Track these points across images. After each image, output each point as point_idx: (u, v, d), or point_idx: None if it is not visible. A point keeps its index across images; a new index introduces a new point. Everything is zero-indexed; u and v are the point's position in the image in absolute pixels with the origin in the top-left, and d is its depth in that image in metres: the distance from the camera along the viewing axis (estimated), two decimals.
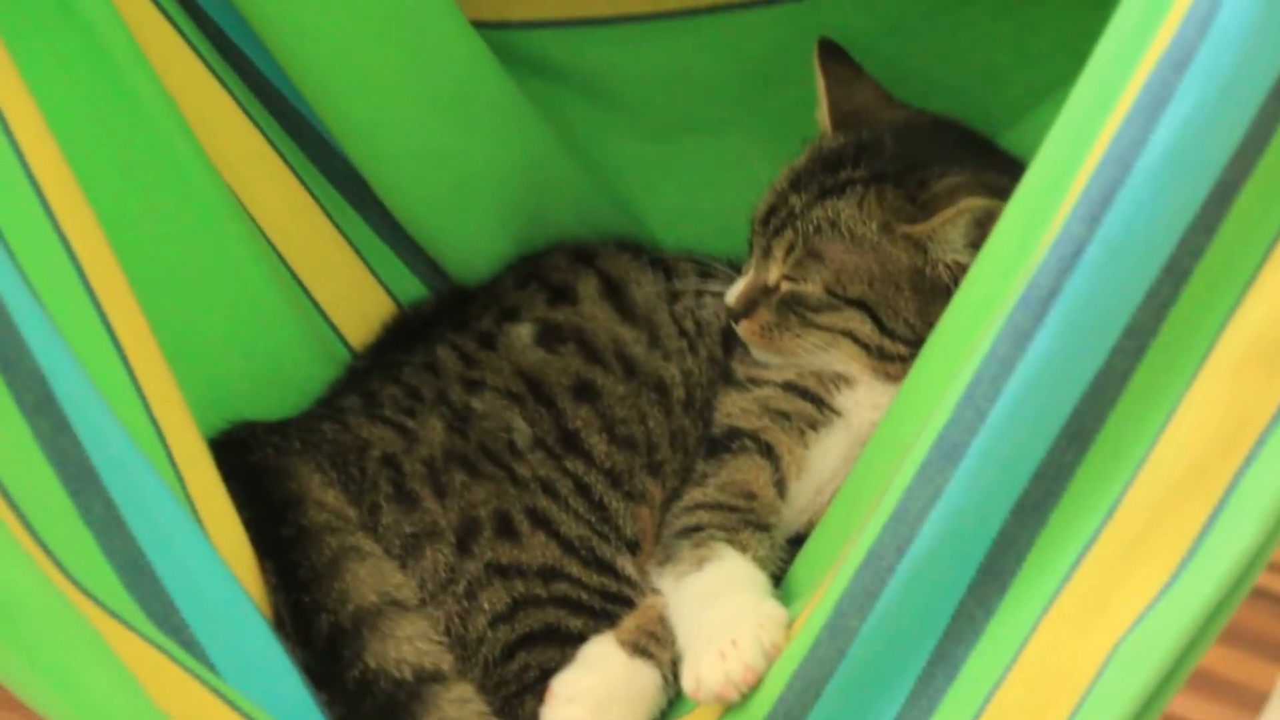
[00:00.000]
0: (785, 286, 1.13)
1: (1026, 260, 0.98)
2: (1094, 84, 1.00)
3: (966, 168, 1.11)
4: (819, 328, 1.10)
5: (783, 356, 1.17)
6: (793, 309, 1.10)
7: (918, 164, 1.11)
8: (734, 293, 1.17)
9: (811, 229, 1.10)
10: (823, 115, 1.20)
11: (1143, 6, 0.99)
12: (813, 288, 1.10)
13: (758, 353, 1.19)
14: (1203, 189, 0.87)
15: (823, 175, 1.13)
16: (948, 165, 1.10)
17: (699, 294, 1.33)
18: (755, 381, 1.18)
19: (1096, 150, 0.93)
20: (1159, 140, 0.86)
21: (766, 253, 1.13)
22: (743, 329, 1.16)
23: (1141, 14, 0.98)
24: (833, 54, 1.24)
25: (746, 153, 1.33)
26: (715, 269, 1.32)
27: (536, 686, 1.11)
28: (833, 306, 1.10)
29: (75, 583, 1.00)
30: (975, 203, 1.05)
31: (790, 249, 1.10)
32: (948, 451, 0.94)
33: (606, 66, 1.36)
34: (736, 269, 1.29)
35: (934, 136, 1.18)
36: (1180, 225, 0.89)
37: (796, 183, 1.13)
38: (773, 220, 1.12)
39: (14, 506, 0.96)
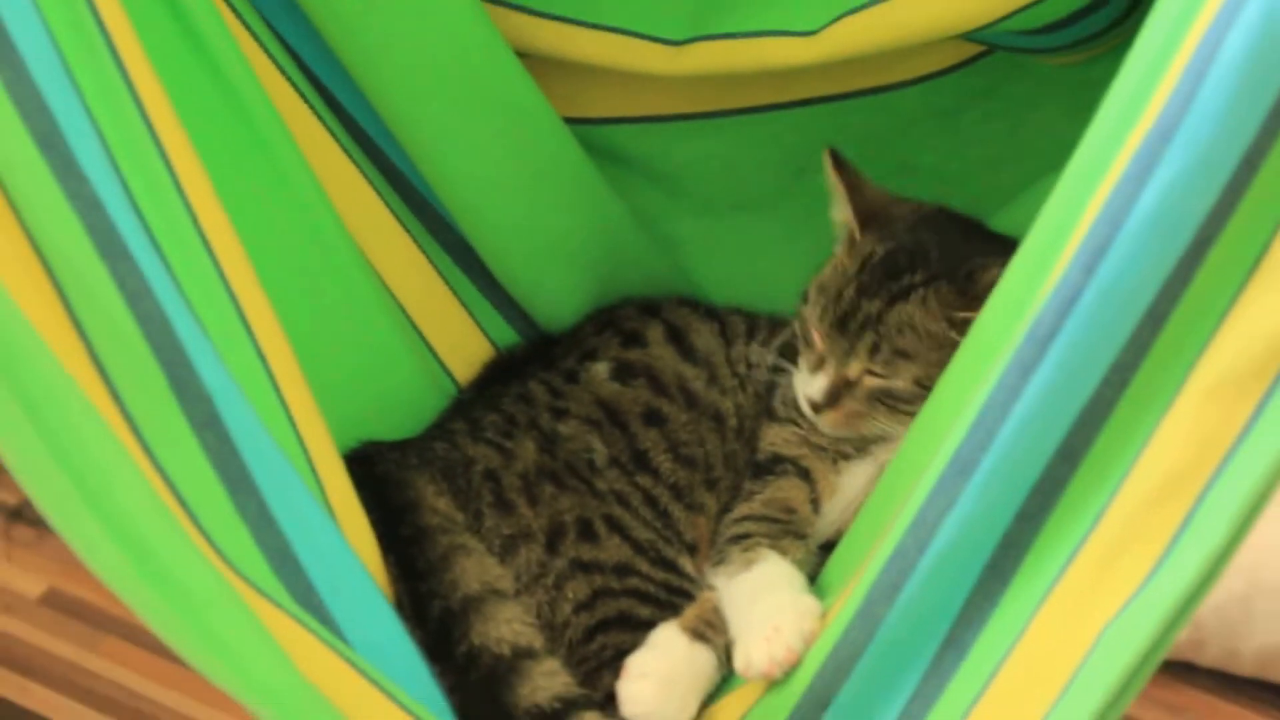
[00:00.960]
0: (870, 382, 1.24)
1: (1030, 306, 1.08)
2: (1087, 156, 1.10)
3: (994, 256, 1.22)
4: (903, 414, 1.23)
5: (856, 433, 1.29)
6: (882, 400, 1.23)
7: (957, 260, 1.23)
8: (818, 389, 1.26)
9: (894, 331, 1.23)
10: (848, 216, 1.29)
11: (1134, 85, 1.08)
12: (903, 383, 1.23)
13: (832, 431, 1.28)
14: (1182, 243, 0.99)
15: (889, 282, 1.24)
16: (983, 257, 1.22)
17: (747, 343, 1.42)
18: (795, 420, 1.33)
19: (1091, 211, 1.04)
20: (1146, 201, 0.98)
21: (848, 353, 1.22)
22: (827, 418, 1.27)
23: (1133, 91, 1.08)
24: (840, 162, 1.32)
25: (784, 229, 1.46)
26: (759, 322, 1.44)
27: (613, 664, 1.22)
28: (919, 396, 1.22)
29: (234, 568, 1.10)
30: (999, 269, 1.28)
31: (874, 349, 1.22)
32: (961, 467, 1.07)
33: (667, 155, 1.51)
34: (776, 323, 1.42)
35: (954, 230, 1.29)
36: (1162, 275, 1.00)
37: (864, 290, 1.23)
38: (850, 324, 1.23)
39: (183, 504, 1.08)
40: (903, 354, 1.27)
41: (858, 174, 1.35)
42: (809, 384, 1.29)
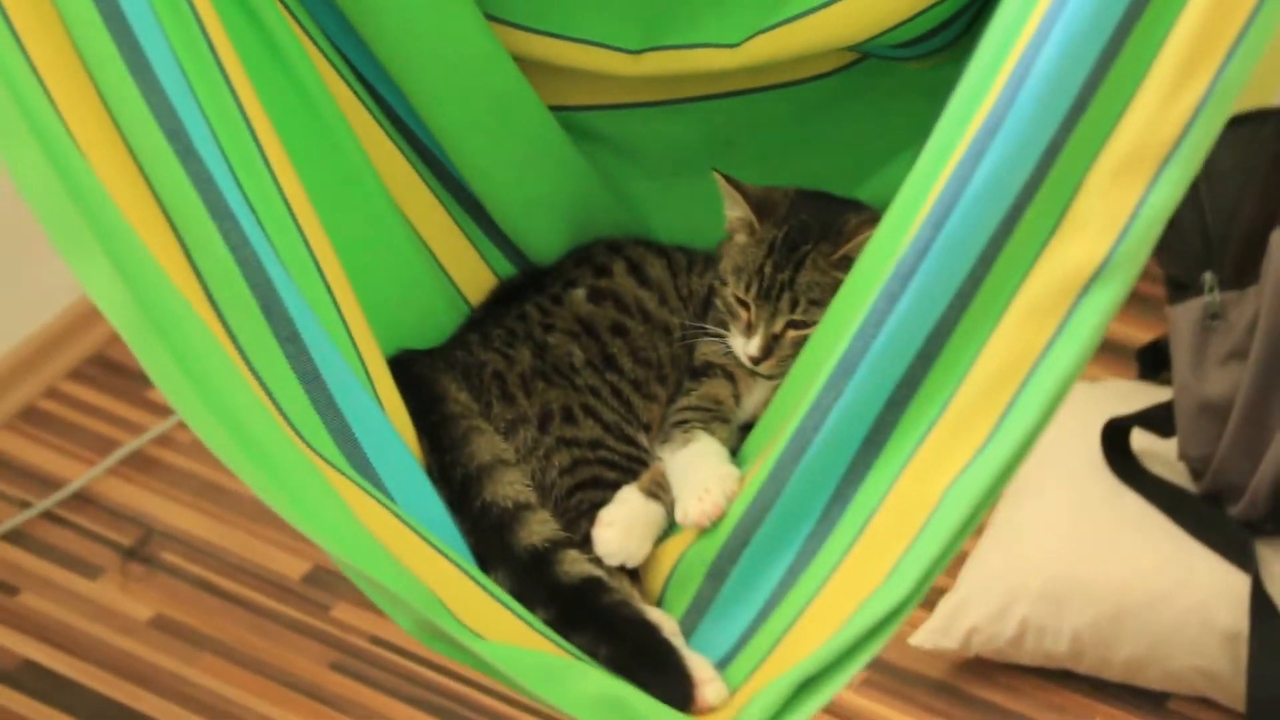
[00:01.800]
0: (792, 333, 1.48)
1: (895, 253, 1.28)
2: (938, 139, 1.30)
3: (850, 214, 1.50)
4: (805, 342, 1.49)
5: (785, 371, 1.49)
6: (798, 343, 1.46)
7: (828, 224, 1.48)
8: (755, 346, 1.48)
9: (803, 290, 1.47)
10: (746, 213, 1.50)
11: (973, 85, 1.27)
12: (815, 325, 1.47)
13: (768, 374, 1.50)
14: (1005, 207, 1.20)
15: (791, 255, 1.48)
16: (843, 216, 1.50)
17: (688, 274, 1.63)
18: (722, 339, 1.57)
19: (940, 181, 1.25)
20: (979, 176, 1.20)
21: (774, 314, 1.45)
22: (764, 366, 1.50)
23: (971, 90, 1.27)
24: (728, 177, 1.51)
25: (712, 187, 1.56)
26: (696, 256, 1.65)
27: (588, 515, 1.42)
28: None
29: (309, 444, 1.29)
30: (870, 229, 1.43)
31: (793, 307, 1.46)
32: (846, 369, 1.30)
33: (627, 134, 1.68)
34: (707, 257, 1.62)
35: (823, 203, 1.53)
36: (990, 229, 1.21)
37: (780, 264, 1.46)
38: (771, 293, 1.46)
39: (272, 398, 1.29)
40: (815, 303, 1.50)
41: (740, 182, 1.55)
42: (747, 345, 1.51)
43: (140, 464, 2.31)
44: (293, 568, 2.23)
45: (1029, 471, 2.06)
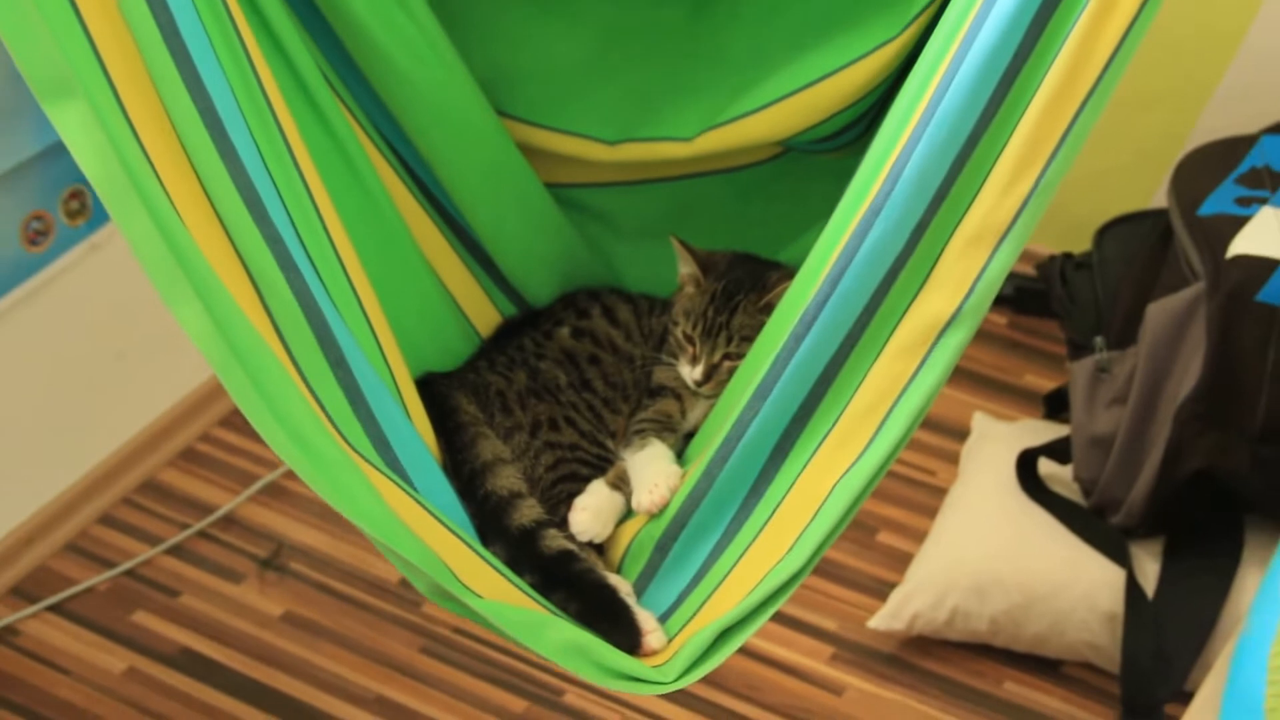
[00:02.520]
0: (728, 363, 1.61)
1: (802, 304, 1.41)
2: (839, 216, 1.43)
3: (773, 272, 1.64)
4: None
5: (720, 392, 1.61)
6: (732, 370, 1.60)
7: (757, 279, 1.63)
8: (699, 372, 1.62)
9: (737, 330, 1.60)
10: (694, 270, 1.64)
11: (864, 175, 1.40)
12: (745, 356, 1.56)
13: (708, 395, 1.64)
14: (884, 271, 1.35)
15: (728, 303, 1.61)
16: (767, 274, 1.64)
17: (650, 315, 1.76)
18: (674, 365, 1.68)
19: (837, 250, 1.38)
20: (864, 248, 1.34)
21: (713, 349, 1.61)
22: (705, 389, 1.62)
23: (864, 179, 1.40)
24: (682, 241, 1.65)
25: (671, 249, 1.69)
26: (655, 303, 1.77)
27: (566, 502, 1.55)
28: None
29: (352, 446, 1.39)
30: (787, 283, 1.55)
31: (728, 342, 1.61)
32: (763, 392, 1.42)
33: (604, 205, 1.79)
34: (665, 302, 1.75)
35: (753, 263, 1.67)
36: (871, 289, 1.35)
37: (719, 310, 1.60)
38: (712, 331, 1.62)
39: (325, 410, 1.39)
40: (746, 339, 1.62)
41: (691, 245, 1.66)
42: (692, 371, 1.64)
43: (274, 492, 2.49)
44: (391, 573, 2.39)
45: (961, 491, 2.24)
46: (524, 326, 1.79)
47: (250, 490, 2.47)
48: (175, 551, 2.37)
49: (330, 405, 1.42)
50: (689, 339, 1.66)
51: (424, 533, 1.41)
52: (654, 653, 1.45)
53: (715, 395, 1.65)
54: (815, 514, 1.41)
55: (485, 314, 1.83)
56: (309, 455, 1.33)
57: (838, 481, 1.41)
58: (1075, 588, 2.13)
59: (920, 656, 2.20)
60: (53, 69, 1.23)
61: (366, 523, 1.34)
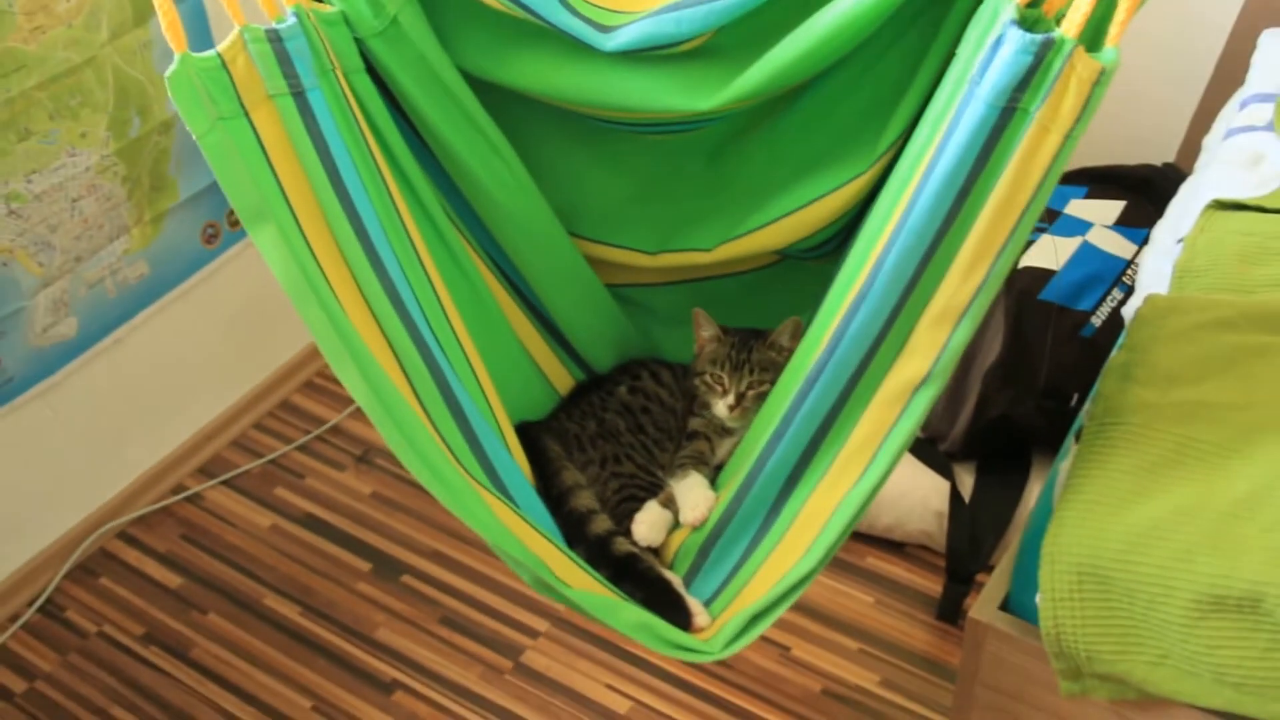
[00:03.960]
0: (753, 390, 1.75)
1: (805, 369, 1.56)
2: (824, 310, 1.56)
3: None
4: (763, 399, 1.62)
5: (749, 421, 1.68)
6: (758, 400, 1.74)
7: (764, 333, 1.82)
8: (730, 401, 1.82)
9: (756, 364, 1.79)
10: (716, 332, 1.82)
11: (843, 280, 1.53)
12: (768, 386, 1.72)
13: (738, 423, 1.79)
14: (867, 346, 1.50)
15: (744, 346, 1.79)
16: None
17: (686, 377, 1.93)
18: (704, 415, 1.85)
19: (830, 330, 1.51)
20: (848, 334, 1.50)
21: (739, 381, 1.78)
22: (733, 415, 1.78)
23: (843, 282, 1.52)
24: (702, 313, 1.85)
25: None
26: (689, 367, 1.89)
27: (629, 517, 1.72)
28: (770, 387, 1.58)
29: (470, 475, 1.53)
30: (794, 319, 1.74)
31: (752, 372, 1.76)
32: (778, 435, 1.54)
33: (648, 300, 1.95)
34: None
35: (756, 330, 1.78)
36: (857, 361, 1.50)
37: (739, 351, 1.80)
38: (737, 367, 1.79)
39: (449, 448, 1.54)
40: (765, 370, 1.76)
41: (710, 317, 1.82)
42: (725, 400, 1.78)
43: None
44: None
45: None
46: (592, 387, 1.96)
47: (349, 410, 2.97)
48: (302, 449, 2.89)
49: (453, 445, 1.56)
50: (718, 379, 1.80)
51: (527, 539, 1.52)
52: (701, 630, 1.60)
53: (741, 426, 1.75)
54: (823, 527, 1.53)
55: (562, 378, 2.00)
56: (442, 483, 1.45)
57: (839, 502, 1.52)
58: (915, 493, 2.41)
59: None
60: (251, 200, 1.43)
61: (486, 533, 1.45)
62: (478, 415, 1.64)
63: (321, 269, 1.47)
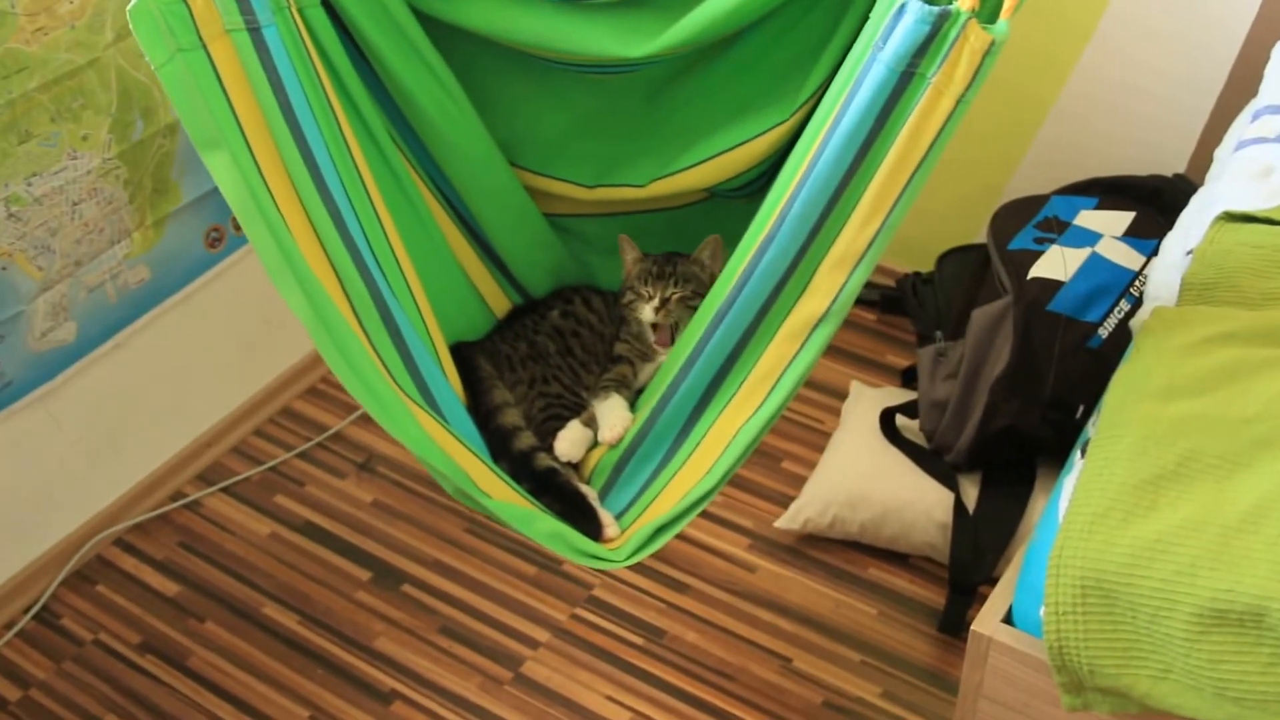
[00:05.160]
0: (676, 295, 1.84)
1: (716, 303, 1.73)
2: (744, 242, 1.71)
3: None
4: (689, 309, 1.80)
5: (672, 322, 1.79)
6: (683, 306, 1.86)
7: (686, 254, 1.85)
8: (654, 306, 1.90)
9: (680, 274, 1.91)
10: (639, 254, 1.99)
11: (762, 214, 1.68)
12: (688, 293, 1.86)
13: (663, 321, 1.91)
14: (773, 283, 1.69)
15: (667, 261, 1.95)
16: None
17: (616, 302, 2.03)
18: (629, 340, 1.98)
19: (742, 265, 1.69)
20: (762, 263, 1.68)
21: (663, 289, 1.89)
22: (660, 316, 1.90)
23: (761, 217, 1.67)
24: (627, 239, 1.96)
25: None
26: (620, 294, 1.91)
27: (552, 434, 1.84)
28: (698, 302, 1.79)
29: (403, 390, 1.63)
30: (714, 237, 1.92)
31: (675, 283, 1.87)
32: (689, 364, 1.72)
33: (583, 229, 2.06)
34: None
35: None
36: (766, 293, 1.67)
37: (662, 265, 1.92)
38: (661, 277, 1.90)
39: (385, 365, 1.64)
40: (686, 281, 1.90)
41: (634, 243, 1.93)
42: (649, 307, 1.89)
43: (367, 419, 2.75)
44: None
45: (840, 436, 2.49)
46: (526, 311, 2.06)
47: (352, 417, 2.85)
48: (302, 456, 2.79)
49: (389, 362, 1.66)
50: (644, 290, 1.90)
51: (452, 452, 1.62)
52: (611, 540, 1.74)
53: (663, 354, 1.89)
54: (724, 449, 1.67)
55: (499, 301, 2.11)
56: (374, 397, 1.57)
57: (741, 427, 1.66)
58: (919, 504, 2.38)
59: (810, 548, 2.51)
60: (207, 128, 1.53)
61: (412, 444, 1.56)
62: (414, 335, 1.72)
63: (271, 193, 1.56)
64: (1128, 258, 2.38)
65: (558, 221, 2.08)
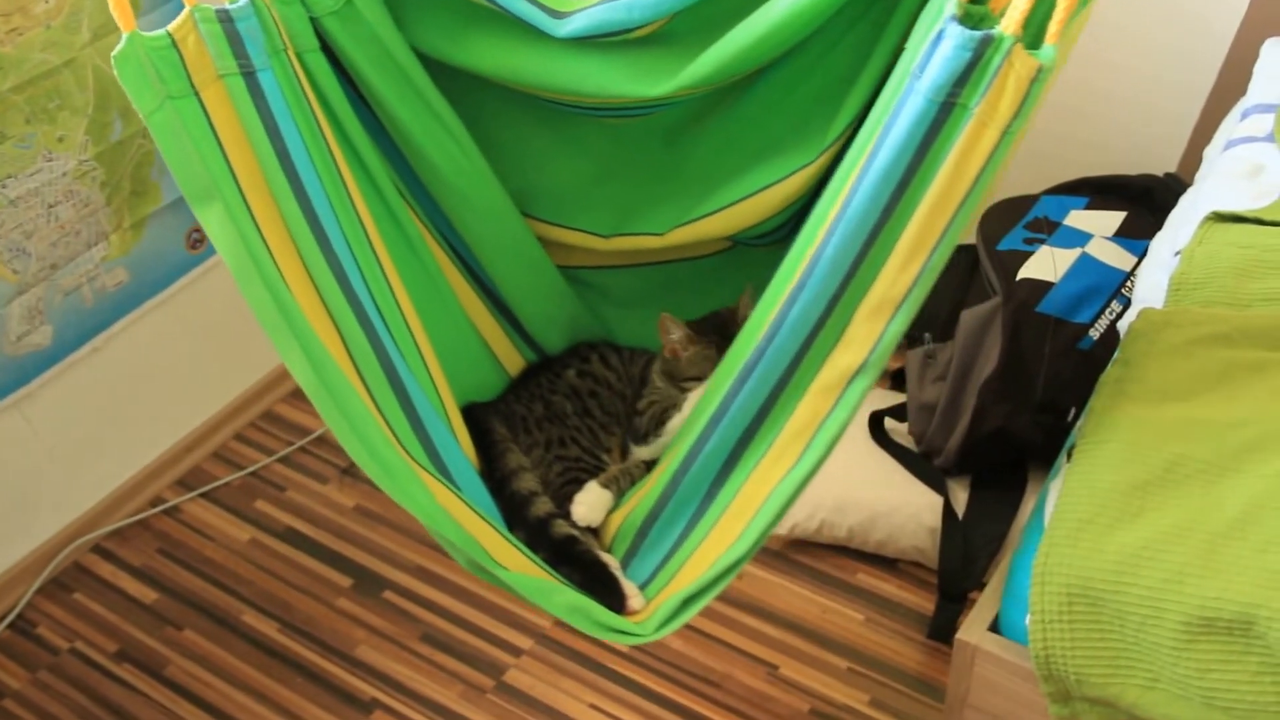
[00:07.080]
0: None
1: (744, 356, 1.60)
2: (770, 292, 1.59)
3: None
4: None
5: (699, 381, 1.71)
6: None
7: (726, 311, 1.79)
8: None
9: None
10: (688, 334, 1.88)
11: (790, 263, 1.55)
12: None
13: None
14: (806, 333, 1.56)
15: (725, 337, 1.76)
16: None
17: (634, 361, 1.98)
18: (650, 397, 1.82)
19: (771, 315, 1.57)
20: (793, 313, 1.54)
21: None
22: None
23: (789, 265, 1.55)
24: (669, 315, 1.85)
25: (650, 315, 1.90)
26: (638, 353, 1.97)
27: (570, 499, 1.77)
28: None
29: (412, 457, 1.55)
30: (749, 286, 1.76)
31: (710, 347, 1.71)
32: (717, 419, 1.60)
33: (601, 282, 1.95)
34: (646, 353, 1.95)
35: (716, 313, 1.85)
36: (798, 345, 1.55)
37: (722, 344, 1.70)
38: (705, 335, 1.76)
39: (392, 430, 1.57)
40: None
41: (677, 319, 1.83)
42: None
43: None
44: None
45: None
46: (541, 369, 2.00)
47: None
48: (284, 460, 2.82)
49: (396, 427, 1.60)
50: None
51: (464, 521, 1.56)
52: (635, 612, 1.66)
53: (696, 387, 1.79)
54: (756, 513, 1.57)
55: (513, 359, 2.06)
56: (381, 464, 1.48)
57: (773, 488, 1.56)
58: (908, 508, 2.42)
59: (797, 553, 2.54)
60: (199, 179, 1.44)
61: (421, 514, 1.49)
62: (422, 397, 1.66)
63: (268, 248, 1.49)
64: (1119, 258, 2.40)
65: (573, 274, 2.01)
